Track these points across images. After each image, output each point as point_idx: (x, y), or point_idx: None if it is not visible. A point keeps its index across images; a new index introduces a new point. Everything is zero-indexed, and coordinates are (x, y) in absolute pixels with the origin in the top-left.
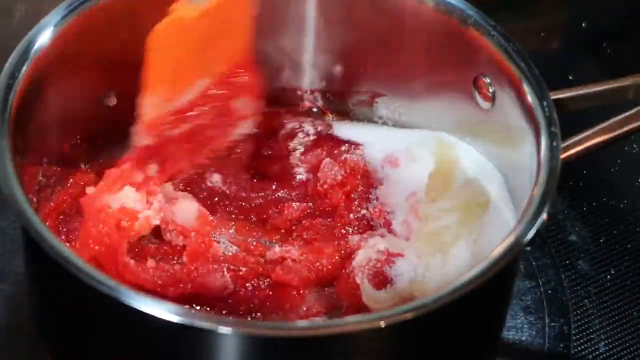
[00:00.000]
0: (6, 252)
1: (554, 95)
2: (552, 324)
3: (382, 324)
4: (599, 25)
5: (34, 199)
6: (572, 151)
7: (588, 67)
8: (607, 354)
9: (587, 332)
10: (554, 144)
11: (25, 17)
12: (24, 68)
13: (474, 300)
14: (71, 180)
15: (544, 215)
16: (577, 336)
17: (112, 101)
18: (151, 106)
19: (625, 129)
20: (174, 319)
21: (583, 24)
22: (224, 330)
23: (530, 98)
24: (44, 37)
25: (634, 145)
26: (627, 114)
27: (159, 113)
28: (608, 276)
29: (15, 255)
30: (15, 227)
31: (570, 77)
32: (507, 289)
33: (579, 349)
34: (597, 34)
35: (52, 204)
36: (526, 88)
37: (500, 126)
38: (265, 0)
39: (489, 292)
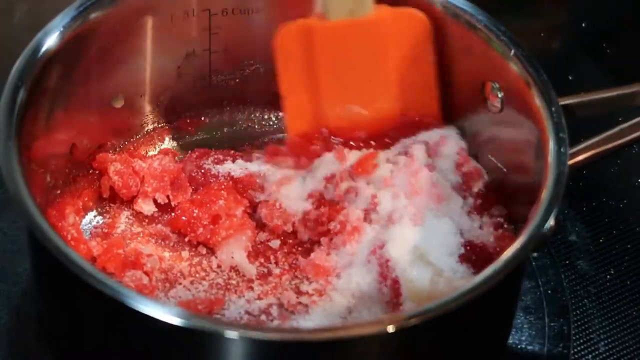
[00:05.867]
0: (6, 252)
1: (561, 102)
2: (552, 324)
3: (391, 328)
4: (599, 25)
5: (41, 200)
6: (580, 158)
7: (588, 68)
8: (607, 354)
9: (587, 332)
10: (562, 150)
11: (26, 17)
12: (32, 70)
13: (481, 305)
14: (78, 182)
15: (552, 222)
16: (577, 336)
17: (119, 103)
18: (296, 120)
19: (633, 135)
20: (179, 322)
21: (583, 24)
22: (231, 334)
23: (538, 104)
24: (51, 39)
25: (634, 146)
26: (634, 120)
27: (306, 128)
28: (608, 276)
29: (15, 255)
30: (15, 227)
31: (570, 78)
32: (514, 293)
33: (579, 349)
34: (597, 34)
35: (58, 205)
36: (534, 94)
37: (509, 131)
38: None
39: (496, 296)
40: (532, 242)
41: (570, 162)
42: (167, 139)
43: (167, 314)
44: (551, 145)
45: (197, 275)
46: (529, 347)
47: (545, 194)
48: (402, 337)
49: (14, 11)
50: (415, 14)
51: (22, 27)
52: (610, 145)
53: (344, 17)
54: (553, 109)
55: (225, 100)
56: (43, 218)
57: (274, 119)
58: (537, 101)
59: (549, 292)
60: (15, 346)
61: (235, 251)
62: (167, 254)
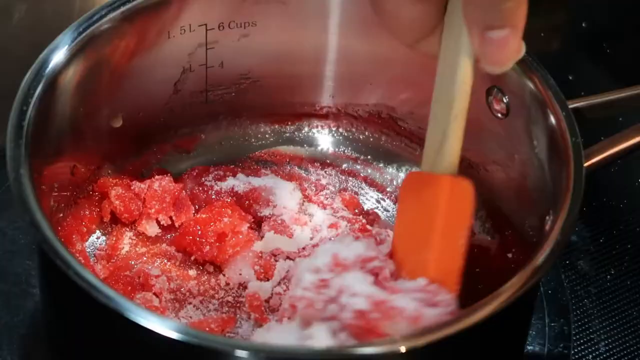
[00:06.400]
0: (6, 252)
1: (570, 105)
2: (552, 324)
3: (403, 348)
4: (599, 25)
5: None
6: (593, 160)
7: (588, 68)
8: (607, 354)
9: (587, 332)
10: (578, 155)
11: (25, 18)
12: (36, 92)
13: (498, 320)
14: (79, 205)
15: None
16: (577, 336)
17: (118, 123)
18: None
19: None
20: (184, 339)
21: (583, 24)
22: (241, 353)
23: (549, 109)
24: (54, 60)
25: None
26: None
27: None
28: (608, 276)
29: (15, 255)
30: (15, 227)
31: (570, 78)
32: (531, 306)
33: (579, 349)
34: (597, 34)
35: (64, 232)
36: (544, 98)
37: (517, 137)
38: None
39: (514, 311)
40: (558, 251)
41: (586, 164)
42: (164, 156)
43: (173, 332)
44: (567, 150)
45: (207, 294)
46: (529, 347)
47: (564, 201)
48: (414, 357)
49: (13, 11)
50: (468, 186)
51: (22, 27)
52: (623, 146)
53: (428, 170)
54: (564, 113)
55: (221, 115)
56: (57, 238)
57: (269, 132)
58: (547, 106)
59: (549, 292)
60: (16, 346)
61: (242, 268)
62: (174, 274)
